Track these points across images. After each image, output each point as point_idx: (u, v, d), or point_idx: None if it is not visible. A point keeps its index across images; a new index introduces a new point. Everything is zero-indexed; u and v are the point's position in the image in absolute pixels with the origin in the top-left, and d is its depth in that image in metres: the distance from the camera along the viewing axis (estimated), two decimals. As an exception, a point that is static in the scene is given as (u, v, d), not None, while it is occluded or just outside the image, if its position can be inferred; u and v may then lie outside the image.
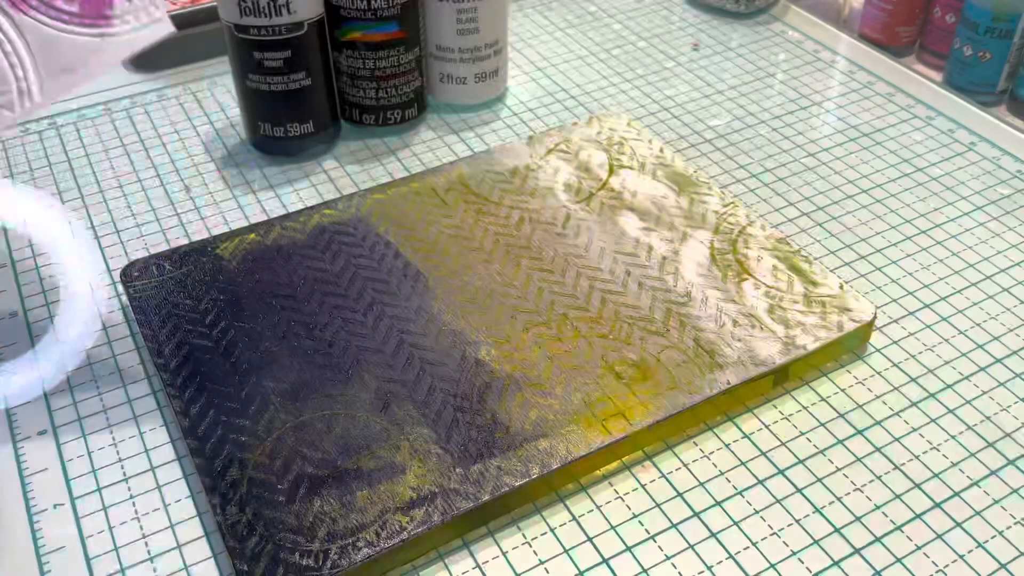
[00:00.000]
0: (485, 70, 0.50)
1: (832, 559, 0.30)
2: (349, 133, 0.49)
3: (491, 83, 0.50)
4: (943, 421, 0.34)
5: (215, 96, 0.53)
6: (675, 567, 0.30)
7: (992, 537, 0.31)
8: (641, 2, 0.62)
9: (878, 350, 0.37)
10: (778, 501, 0.32)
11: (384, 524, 0.29)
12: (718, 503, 0.32)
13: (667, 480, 0.32)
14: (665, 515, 0.31)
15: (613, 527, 0.31)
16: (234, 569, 0.28)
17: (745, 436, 0.34)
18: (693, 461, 0.33)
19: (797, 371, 0.35)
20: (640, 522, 0.31)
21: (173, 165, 0.47)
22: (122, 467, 0.33)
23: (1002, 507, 0.32)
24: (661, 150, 0.45)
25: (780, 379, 0.35)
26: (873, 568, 0.30)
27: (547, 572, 0.30)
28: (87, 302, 0.39)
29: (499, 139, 0.49)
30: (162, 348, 0.35)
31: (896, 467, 0.33)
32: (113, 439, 0.34)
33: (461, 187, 0.43)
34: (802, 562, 0.30)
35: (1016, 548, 0.30)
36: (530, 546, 0.30)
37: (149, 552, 0.30)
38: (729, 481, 0.32)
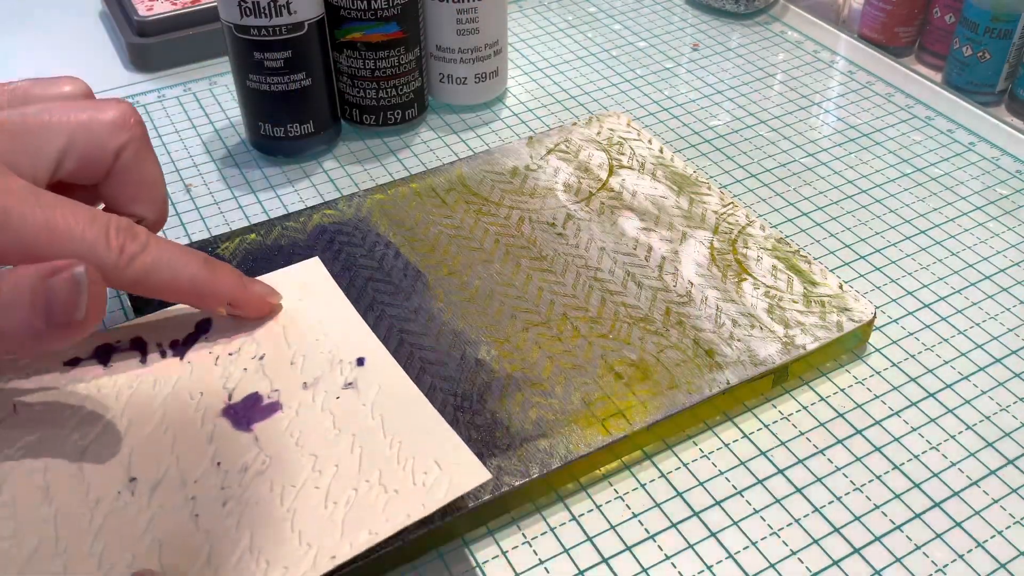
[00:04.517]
0: (485, 70, 0.50)
1: (832, 559, 0.30)
2: (349, 133, 0.49)
3: (491, 83, 0.51)
4: (943, 421, 0.34)
5: (215, 96, 0.53)
6: (675, 567, 0.30)
7: (992, 537, 0.31)
8: (641, 2, 0.62)
9: (878, 350, 0.37)
10: (778, 501, 0.32)
11: (383, 524, 0.29)
12: (718, 503, 0.32)
13: (667, 480, 0.32)
14: (665, 515, 0.31)
15: (613, 527, 0.31)
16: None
17: (745, 436, 0.34)
18: (693, 461, 0.33)
19: (796, 371, 0.35)
20: (640, 522, 0.31)
21: (173, 165, 0.47)
22: (122, 467, 0.33)
23: (1001, 507, 0.32)
24: (661, 150, 0.45)
25: (779, 379, 0.35)
26: (873, 568, 0.30)
27: (547, 572, 0.30)
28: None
29: (499, 139, 0.49)
30: (162, 348, 0.35)
31: (896, 467, 0.33)
32: (113, 439, 0.34)
33: (461, 187, 0.43)
34: (802, 562, 0.30)
35: (1016, 548, 0.30)
36: (530, 546, 0.30)
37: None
38: (729, 481, 0.32)
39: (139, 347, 0.32)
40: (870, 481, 0.32)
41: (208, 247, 0.40)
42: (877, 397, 0.35)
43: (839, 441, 0.34)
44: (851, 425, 0.34)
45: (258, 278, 0.34)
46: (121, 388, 0.30)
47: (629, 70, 0.55)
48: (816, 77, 0.54)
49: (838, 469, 0.33)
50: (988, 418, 0.35)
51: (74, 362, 0.31)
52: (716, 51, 0.57)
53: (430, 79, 0.50)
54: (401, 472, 0.28)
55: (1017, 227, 0.43)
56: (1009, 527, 0.31)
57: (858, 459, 0.33)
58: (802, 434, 0.34)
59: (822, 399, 0.35)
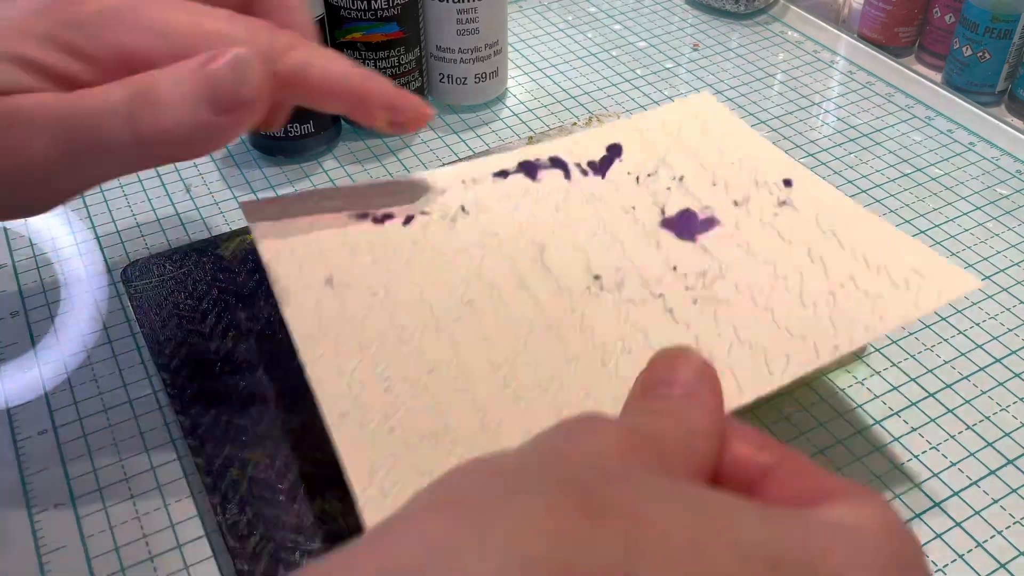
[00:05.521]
0: (485, 70, 0.50)
1: (832, 559, 0.30)
2: (349, 133, 0.49)
3: (491, 83, 0.51)
4: (942, 421, 0.34)
5: (215, 96, 0.53)
6: (675, 567, 0.30)
7: (991, 537, 0.31)
8: (641, 2, 0.62)
9: (878, 350, 0.37)
10: (778, 501, 0.32)
11: (384, 524, 0.29)
12: (718, 503, 0.32)
13: (667, 480, 0.32)
14: (665, 515, 0.31)
15: (613, 527, 0.31)
16: (234, 569, 0.28)
17: (745, 436, 0.34)
18: (693, 461, 0.33)
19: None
20: (640, 522, 0.31)
21: (173, 165, 0.47)
22: (122, 466, 0.33)
23: (1001, 507, 0.32)
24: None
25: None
26: (873, 568, 0.30)
27: (547, 572, 0.30)
28: (87, 302, 0.39)
29: (499, 139, 0.49)
30: (162, 348, 0.35)
31: (896, 467, 0.33)
32: (114, 439, 0.34)
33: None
34: (802, 562, 0.30)
35: (1016, 548, 0.30)
36: (530, 546, 0.30)
37: (149, 552, 0.30)
38: (729, 481, 0.32)
39: (560, 165, 0.34)
40: (870, 481, 0.32)
41: (208, 247, 0.40)
42: (877, 397, 0.35)
43: (839, 441, 0.34)
44: (851, 425, 0.34)
45: (643, 112, 0.35)
46: (556, 197, 0.32)
47: (629, 70, 0.55)
48: (816, 77, 0.54)
49: (838, 469, 0.33)
50: (988, 418, 0.35)
51: (503, 174, 0.33)
52: (716, 51, 0.57)
53: (430, 79, 0.50)
54: (877, 278, 0.28)
55: (1017, 227, 0.43)
56: (1009, 527, 0.31)
57: (858, 459, 0.33)
58: (802, 434, 0.34)
59: (822, 399, 0.35)
